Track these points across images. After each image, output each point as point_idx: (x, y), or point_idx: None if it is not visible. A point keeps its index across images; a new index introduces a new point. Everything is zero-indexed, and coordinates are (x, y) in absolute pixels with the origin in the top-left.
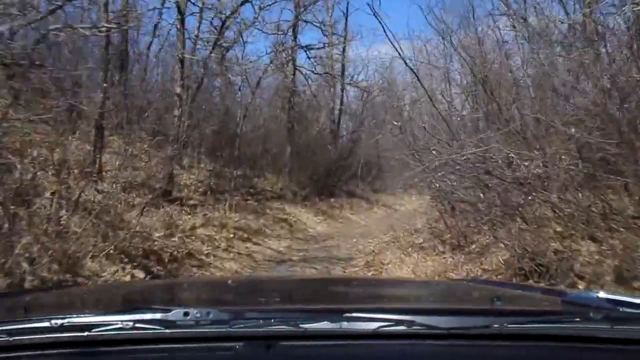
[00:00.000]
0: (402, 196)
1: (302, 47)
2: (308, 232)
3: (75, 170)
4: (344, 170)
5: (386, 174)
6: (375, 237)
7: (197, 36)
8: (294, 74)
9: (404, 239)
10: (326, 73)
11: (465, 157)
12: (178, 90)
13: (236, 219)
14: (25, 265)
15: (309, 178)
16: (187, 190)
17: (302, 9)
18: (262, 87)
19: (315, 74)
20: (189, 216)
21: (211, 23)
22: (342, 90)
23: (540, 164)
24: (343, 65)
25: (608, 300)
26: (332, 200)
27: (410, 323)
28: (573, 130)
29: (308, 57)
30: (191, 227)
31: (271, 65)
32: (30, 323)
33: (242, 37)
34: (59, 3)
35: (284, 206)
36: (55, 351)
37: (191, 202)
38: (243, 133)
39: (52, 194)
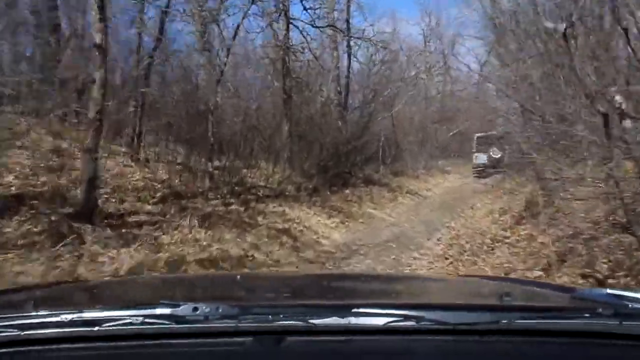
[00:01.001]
0: (426, 178)
1: None
2: (321, 247)
3: None
4: (357, 152)
5: (406, 154)
6: (420, 246)
7: None
8: (287, 28)
9: (486, 259)
10: (328, 26)
11: None
12: (97, 39)
13: (205, 243)
14: None
15: (316, 165)
16: (132, 198)
17: None
18: (247, 48)
19: (314, 27)
20: (116, 251)
21: None
22: (348, 46)
23: None
24: (348, 15)
25: (617, 296)
26: (347, 191)
27: (418, 319)
28: None
29: (304, 9)
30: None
31: (255, 5)
32: (41, 318)
33: None
34: None
35: (284, 208)
36: (65, 346)
37: (133, 218)
38: (218, 107)
39: None
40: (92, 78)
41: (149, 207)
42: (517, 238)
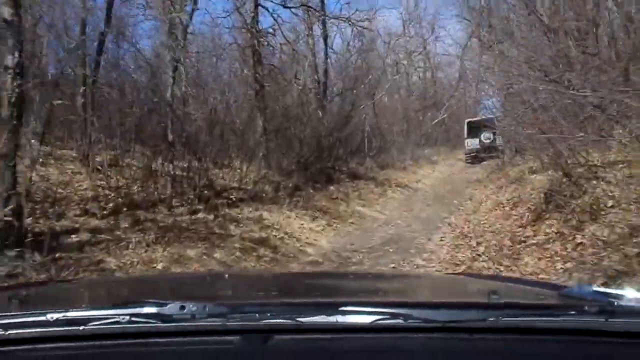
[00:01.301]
0: (414, 169)
1: None
2: (306, 257)
3: None
4: (341, 145)
5: (390, 144)
6: (421, 249)
7: None
8: (256, 10)
9: (512, 267)
10: (302, 5)
11: None
12: (6, 13)
13: (162, 265)
14: None
15: (295, 161)
16: (78, 211)
17: None
18: (214, 33)
19: (285, 7)
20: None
21: None
22: (324, 28)
23: None
24: None
25: (603, 293)
26: (332, 188)
27: (406, 316)
28: None
29: None
30: None
31: None
32: (26, 317)
33: None
34: None
35: (260, 213)
36: (50, 345)
37: (73, 239)
38: (179, 99)
39: None
40: (5, 65)
41: (96, 222)
42: (544, 237)
